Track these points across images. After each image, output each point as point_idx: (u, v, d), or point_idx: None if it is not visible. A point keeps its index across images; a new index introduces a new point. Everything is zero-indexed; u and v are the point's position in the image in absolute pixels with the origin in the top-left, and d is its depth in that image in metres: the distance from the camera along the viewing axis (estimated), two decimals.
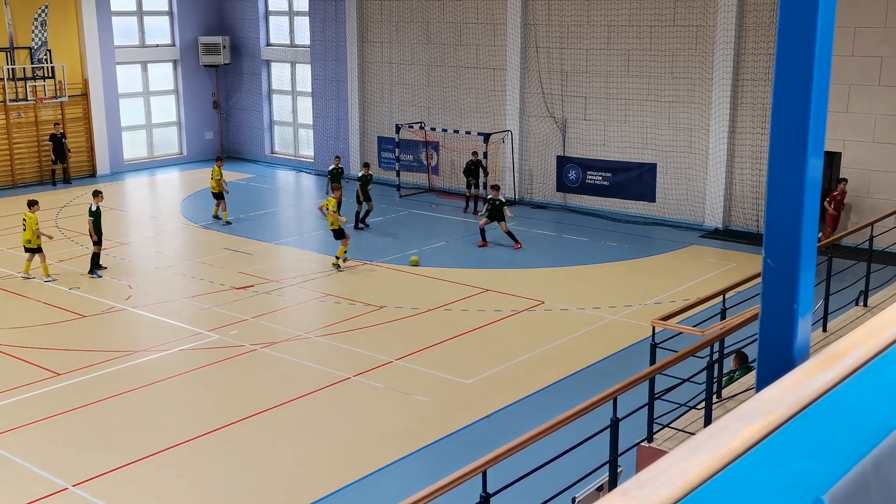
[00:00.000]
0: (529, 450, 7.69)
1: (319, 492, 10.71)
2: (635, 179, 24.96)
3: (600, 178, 25.53)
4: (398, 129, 28.12)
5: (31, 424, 12.42)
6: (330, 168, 25.27)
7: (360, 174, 23.90)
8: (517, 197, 27.07)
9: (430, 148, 28.80)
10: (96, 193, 20.04)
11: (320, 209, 20.75)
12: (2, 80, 28.10)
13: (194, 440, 12.01)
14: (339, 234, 19.97)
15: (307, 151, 33.11)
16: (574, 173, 25.98)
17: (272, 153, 34.09)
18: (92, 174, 30.63)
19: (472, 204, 25.63)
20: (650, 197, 24.78)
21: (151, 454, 11.58)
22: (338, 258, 19.97)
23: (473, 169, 25.82)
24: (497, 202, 21.61)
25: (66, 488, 10.75)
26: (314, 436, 12.31)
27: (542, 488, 8.76)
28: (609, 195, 25.45)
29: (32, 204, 19.24)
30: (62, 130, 29.00)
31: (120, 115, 31.70)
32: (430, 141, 28.71)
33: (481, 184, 25.84)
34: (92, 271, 19.31)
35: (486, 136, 26.32)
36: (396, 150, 28.26)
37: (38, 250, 18.92)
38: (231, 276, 19.34)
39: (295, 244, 22.55)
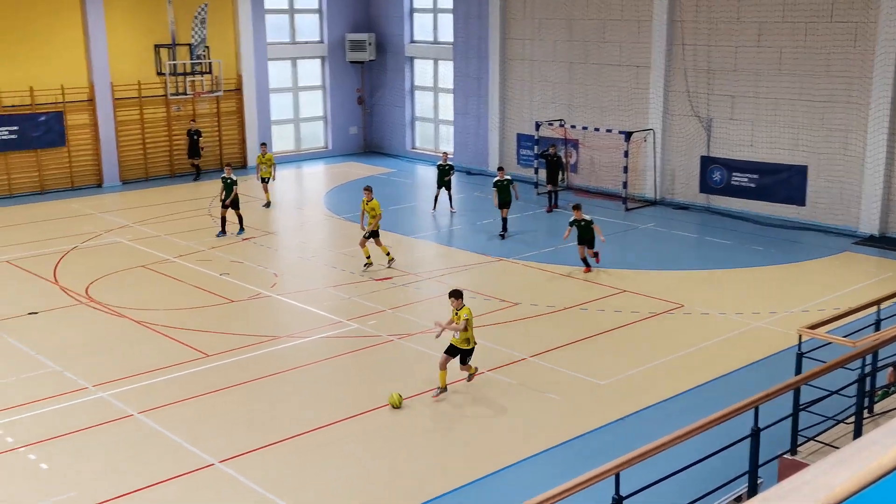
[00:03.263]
0: (665, 455, 7.57)
1: (448, 485, 10.86)
2: (784, 182, 24.01)
3: (746, 179, 24.70)
4: (538, 126, 28.05)
5: (182, 402, 13.13)
6: (438, 164, 25.51)
7: (496, 179, 22.45)
8: (658, 197, 26.53)
9: (570, 145, 28.60)
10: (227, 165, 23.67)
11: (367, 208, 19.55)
12: (164, 74, 29.72)
13: (332, 425, 12.39)
14: (375, 234, 19.65)
15: (447, 147, 33.46)
16: (719, 174, 25.23)
17: (413, 148, 34.66)
18: (243, 165, 31.98)
19: (551, 201, 25.41)
20: (800, 200, 23.78)
21: (293, 436, 12.03)
22: (388, 255, 19.77)
23: (552, 164, 25.45)
24: (582, 223, 19.14)
25: (213, 464, 11.31)
26: (445, 428, 12.48)
27: (676, 495, 8.60)
28: (755, 197, 24.58)
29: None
30: (197, 127, 30.28)
31: (270, 110, 32.96)
32: (570, 139, 28.51)
33: (559, 181, 25.72)
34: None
35: (628, 135, 25.90)
36: (535, 147, 28.20)
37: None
38: (371, 267, 19.80)
39: (433, 238, 22.87)
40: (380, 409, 12.87)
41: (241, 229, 22.62)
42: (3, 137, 27.14)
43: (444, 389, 13.07)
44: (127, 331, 16.08)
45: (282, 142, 33.99)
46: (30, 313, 16.91)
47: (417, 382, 13.83)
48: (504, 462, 11.38)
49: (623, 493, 7.18)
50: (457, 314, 12.76)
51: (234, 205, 22.50)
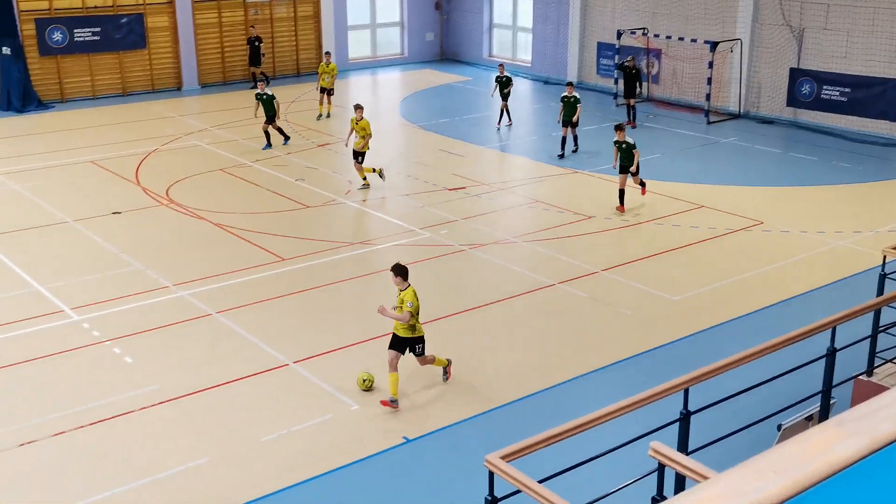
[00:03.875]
0: (735, 372, 7.49)
1: (517, 392, 10.97)
2: (878, 96, 22.94)
3: (838, 93, 23.66)
4: (619, 34, 27.22)
5: (258, 303, 13.45)
6: (496, 76, 24.50)
7: (563, 94, 21.22)
8: (742, 110, 25.67)
9: (652, 55, 27.73)
10: (262, 79, 23.34)
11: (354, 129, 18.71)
12: None
13: None
14: (361, 155, 18.67)
15: (525, 56, 32.81)
16: (808, 87, 24.23)
17: (490, 56, 34.06)
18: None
19: (629, 116, 24.45)
20: (894, 116, 22.75)
21: (364, 340, 12.26)
22: (375, 170, 18.83)
23: (630, 76, 24.44)
24: (623, 145, 17.31)
25: (287, 364, 11.63)
26: (515, 338, 12.55)
27: (745, 412, 8.54)
28: (846, 112, 23.58)
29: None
30: (258, 34, 30.07)
31: (347, 15, 32.66)
32: (653, 48, 27.62)
33: (637, 93, 24.64)
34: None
35: (713, 45, 24.96)
36: (616, 56, 27.41)
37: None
38: (444, 176, 19.77)
39: (508, 149, 22.64)
40: (451, 317, 12.99)
41: (286, 138, 22.15)
42: (87, 39, 27.55)
43: (395, 401, 10.44)
44: (205, 233, 16.45)
45: (358, 48, 33.75)
46: (113, 213, 17.41)
47: (489, 291, 13.88)
48: (572, 374, 11.43)
49: (691, 407, 7.14)
50: (401, 298, 10.42)
51: (271, 119, 21.78)
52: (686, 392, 7.03)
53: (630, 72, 24.40)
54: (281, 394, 10.96)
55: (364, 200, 18.29)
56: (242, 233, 16.35)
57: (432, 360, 10.91)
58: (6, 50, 25.82)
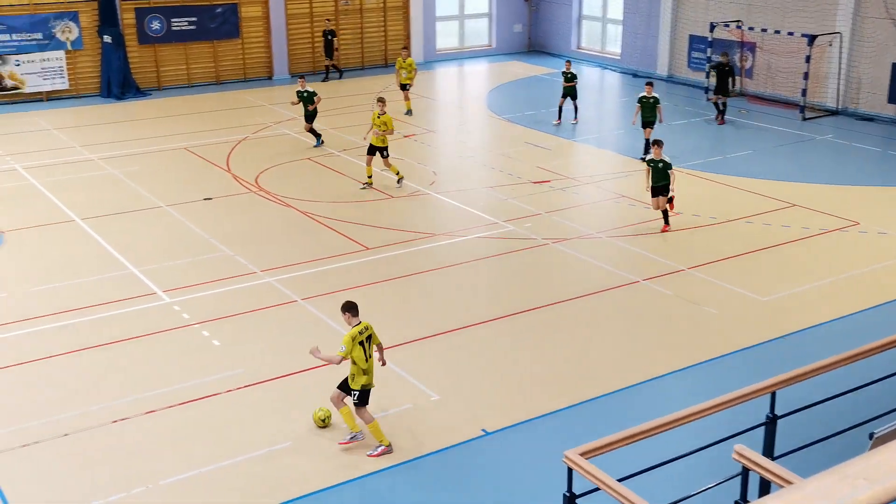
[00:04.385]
0: (825, 377, 7.28)
1: (598, 389, 10.88)
2: None
3: None
4: (713, 27, 26.62)
5: (342, 291, 13.63)
6: (563, 71, 23.68)
7: (641, 95, 20.41)
8: (839, 106, 24.83)
9: (746, 49, 27.04)
10: (300, 76, 21.93)
11: (378, 122, 18.11)
12: None
13: (482, 324, 12.59)
14: (381, 151, 18.17)
15: (614, 48, 32.38)
16: None
17: (578, 48, 33.73)
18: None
19: (719, 112, 23.75)
20: None
21: (445, 331, 12.32)
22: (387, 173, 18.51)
23: (723, 73, 23.59)
24: (660, 164, 15.79)
25: None
26: (596, 334, 12.44)
27: (835, 419, 8.29)
28: None
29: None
30: (332, 27, 30.28)
31: (435, 6, 32.76)
32: (747, 41, 26.94)
33: (729, 90, 23.77)
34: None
35: (811, 38, 24.20)
36: (709, 50, 26.82)
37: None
38: (529, 169, 19.68)
39: (594, 143, 22.40)
40: (532, 311, 12.95)
41: (319, 141, 21.38)
42: (184, 28, 28.29)
43: (355, 436, 9.62)
44: (292, 220, 16.74)
45: (445, 39, 33.83)
46: (205, 199, 17.87)
47: (571, 286, 13.79)
48: (654, 373, 11.27)
49: (778, 412, 6.97)
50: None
51: (310, 118, 21.09)
52: (773, 395, 6.86)
53: (723, 69, 23.74)
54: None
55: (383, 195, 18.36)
56: (328, 221, 16.59)
57: (358, 418, 9.53)
58: (107, 38, 26.71)
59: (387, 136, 18.17)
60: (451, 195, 18.19)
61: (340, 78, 29.90)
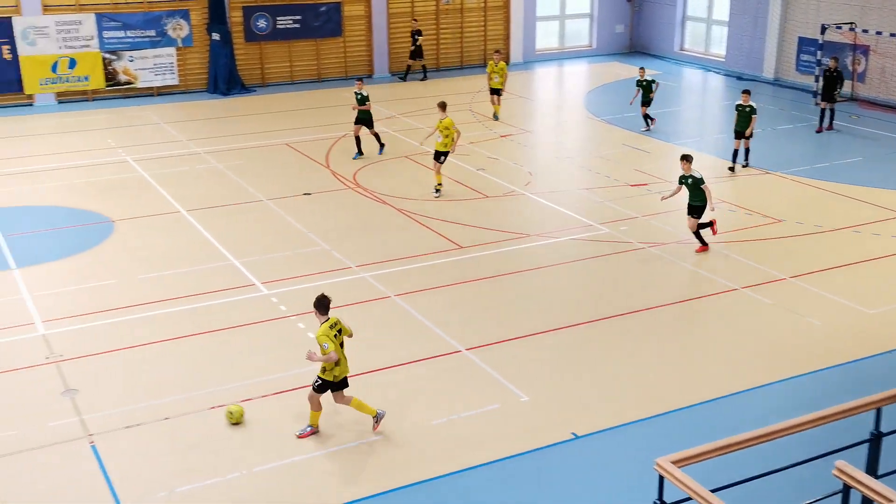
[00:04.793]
0: None
1: (690, 398, 10.66)
2: None
3: None
4: (824, 29, 25.74)
5: (435, 289, 13.73)
6: (637, 80, 22.88)
7: (738, 103, 19.43)
8: None
9: (859, 52, 26.06)
10: (359, 79, 20.96)
11: (442, 129, 17.60)
12: None
13: (574, 327, 12.49)
14: (444, 156, 17.80)
15: (718, 50, 31.65)
16: None
17: (681, 50, 33.09)
18: (505, 61, 32.04)
19: (823, 120, 22.69)
20: None
21: (535, 332, 12.27)
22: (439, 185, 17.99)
23: (830, 79, 22.44)
24: (689, 180, 14.87)
25: (460, 351, 11.81)
26: (692, 341, 12.19)
27: None
28: None
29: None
30: (419, 27, 30.25)
31: (536, 6, 32.63)
32: (860, 44, 25.96)
33: (836, 96, 22.54)
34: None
35: None
36: (819, 52, 25.96)
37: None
38: (627, 172, 19.42)
39: (694, 145, 21.93)
40: (626, 315, 12.78)
41: (381, 146, 20.84)
42: (288, 26, 28.92)
43: (378, 418, 9.91)
44: (388, 217, 16.93)
45: (545, 39, 33.65)
46: (304, 194, 18.24)
47: (667, 291, 13.55)
48: (752, 382, 10.97)
49: (883, 429, 6.70)
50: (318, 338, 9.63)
51: (367, 123, 20.42)
52: (878, 412, 6.61)
53: (831, 74, 22.84)
54: (452, 379, 11.15)
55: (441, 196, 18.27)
56: (423, 219, 16.71)
57: (349, 403, 9.91)
58: (216, 36, 27.52)
59: (450, 141, 17.67)
60: (546, 196, 18.09)
61: (424, 79, 29.96)
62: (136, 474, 9.28)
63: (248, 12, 28.25)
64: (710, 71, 30.84)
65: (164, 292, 13.57)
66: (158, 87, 27.48)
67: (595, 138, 23.00)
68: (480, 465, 9.40)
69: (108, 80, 26.69)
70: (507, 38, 32.25)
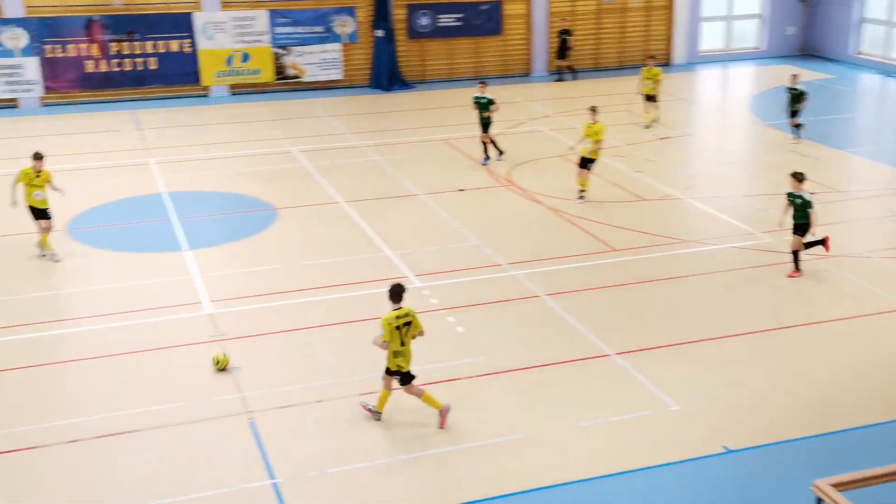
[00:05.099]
0: None
1: (852, 420, 10.12)
2: None
3: None
4: None
5: (586, 290, 13.61)
6: (787, 87, 21.21)
7: None
8: None
9: None
10: (481, 81, 20.46)
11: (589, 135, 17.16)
12: None
13: (729, 338, 12.08)
14: (590, 163, 17.26)
15: None
16: None
17: (857, 54, 31.38)
18: (666, 63, 31.39)
19: None
20: None
21: (688, 341, 11.95)
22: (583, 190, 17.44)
23: None
24: (799, 200, 13.79)
25: (609, 355, 11.66)
26: (857, 360, 11.55)
27: None
28: None
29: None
30: (567, 27, 29.73)
31: (701, 6, 31.72)
32: None
33: None
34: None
35: None
36: None
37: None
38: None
39: (868, 155, 20.79)
40: (786, 329, 12.27)
41: (499, 153, 20.30)
42: (450, 24, 29.32)
43: (376, 413, 10.17)
44: (541, 216, 16.90)
45: (710, 40, 32.66)
46: (459, 190, 18.45)
47: (832, 307, 12.91)
48: None
49: None
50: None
51: (487, 127, 19.98)
52: None
53: None
54: (600, 383, 11.03)
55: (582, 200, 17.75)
56: (576, 219, 16.59)
57: (415, 394, 10.05)
58: (379, 33, 28.22)
59: (598, 148, 17.28)
60: (705, 201, 17.58)
61: (574, 79, 29.64)
62: (290, 453, 9.66)
63: (412, 10, 28.81)
64: (890, 76, 29.10)
65: (322, 279, 14.05)
66: (324, 82, 28.45)
67: (761, 143, 22.16)
68: (626, 472, 9.25)
69: (277, 73, 27.86)
70: (669, 38, 31.52)
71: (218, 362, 11.21)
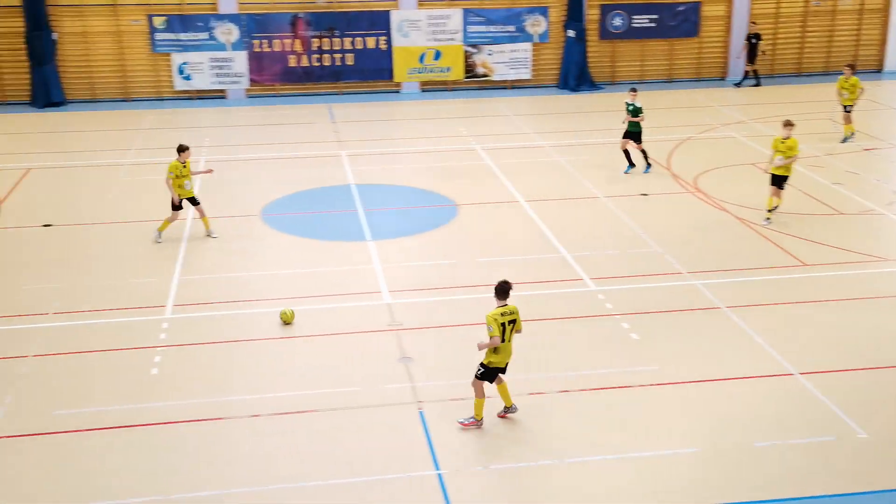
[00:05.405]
0: None
1: None
2: None
3: None
4: None
5: (771, 305, 12.95)
6: None
7: None
8: None
9: None
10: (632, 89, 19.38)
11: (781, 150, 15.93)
12: None
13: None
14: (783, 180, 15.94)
15: None
16: None
17: None
18: (878, 69, 29.42)
19: None
20: None
21: (884, 366, 11.15)
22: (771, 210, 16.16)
23: None
24: None
25: (793, 374, 11.05)
26: None
27: None
28: None
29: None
30: (757, 31, 28.09)
31: None
32: None
33: None
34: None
35: None
36: None
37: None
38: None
39: None
40: None
41: (647, 165, 19.37)
42: (644, 25, 28.71)
43: (474, 420, 10.05)
44: (727, 225, 16.25)
45: None
46: (641, 195, 18.04)
47: None
48: None
49: None
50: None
51: (635, 137, 19.25)
52: None
53: None
54: (782, 403, 10.47)
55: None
56: (765, 231, 15.83)
57: (498, 382, 10.02)
58: (571, 33, 28.02)
59: (791, 164, 16.07)
60: None
61: (758, 85, 28.19)
62: (455, 445, 9.76)
63: (605, 10, 28.43)
64: None
65: (497, 276, 13.99)
66: (512, 81, 28.57)
67: None
68: (801, 498, 8.74)
69: (466, 71, 28.24)
70: (882, 43, 29.54)
71: (286, 315, 12.45)
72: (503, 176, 19.42)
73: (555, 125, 23.99)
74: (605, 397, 10.60)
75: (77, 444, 9.80)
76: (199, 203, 15.86)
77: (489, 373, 9.92)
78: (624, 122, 19.56)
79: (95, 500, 8.90)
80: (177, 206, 15.63)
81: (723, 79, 29.24)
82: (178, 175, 15.56)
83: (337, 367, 11.46)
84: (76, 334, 12.34)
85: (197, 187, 16.59)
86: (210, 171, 16.89)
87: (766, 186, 16.52)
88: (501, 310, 9.76)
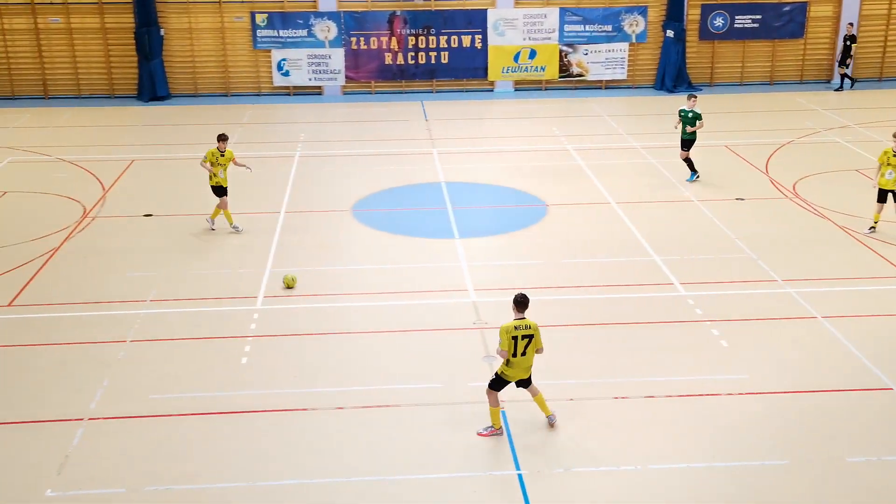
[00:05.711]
0: None
1: None
2: None
3: None
4: None
5: (871, 317, 12.47)
6: None
7: None
8: None
9: None
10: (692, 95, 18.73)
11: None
12: None
13: None
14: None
15: None
16: None
17: None
18: None
19: None
20: None
21: None
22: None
23: None
24: None
25: (892, 388, 10.63)
26: None
27: None
28: None
29: None
30: (853, 33, 26.85)
31: None
32: None
33: None
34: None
35: None
36: None
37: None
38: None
39: None
40: None
41: (693, 173, 18.67)
42: (746, 25, 27.97)
43: (491, 428, 9.94)
44: (827, 233, 15.73)
45: None
46: (737, 199, 17.61)
47: None
48: None
49: None
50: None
51: (687, 144, 18.64)
52: None
53: None
54: (879, 417, 10.09)
55: None
56: (868, 240, 15.26)
57: (533, 394, 10.00)
58: (670, 33, 27.52)
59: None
60: None
61: (853, 87, 27.23)
62: (538, 447, 9.72)
63: (706, 10, 27.82)
64: None
65: (584, 278, 14.00)
66: (607, 81, 28.24)
67: None
68: None
69: (561, 71, 28.04)
70: None
71: (293, 280, 13.43)
72: (595, 177, 19.22)
73: (649, 126, 23.61)
74: (691, 405, 10.40)
75: (173, 429, 10.12)
76: (225, 195, 16.08)
77: (498, 382, 9.81)
78: (676, 128, 18.96)
79: (183, 483, 9.18)
80: (220, 193, 16.02)
81: (828, 81, 28.30)
82: (214, 163, 15.90)
83: (421, 363, 11.54)
84: (171, 321, 12.76)
85: (290, 182, 16.88)
86: (249, 168, 16.81)
87: (871, 193, 15.92)
88: (516, 323, 9.66)
